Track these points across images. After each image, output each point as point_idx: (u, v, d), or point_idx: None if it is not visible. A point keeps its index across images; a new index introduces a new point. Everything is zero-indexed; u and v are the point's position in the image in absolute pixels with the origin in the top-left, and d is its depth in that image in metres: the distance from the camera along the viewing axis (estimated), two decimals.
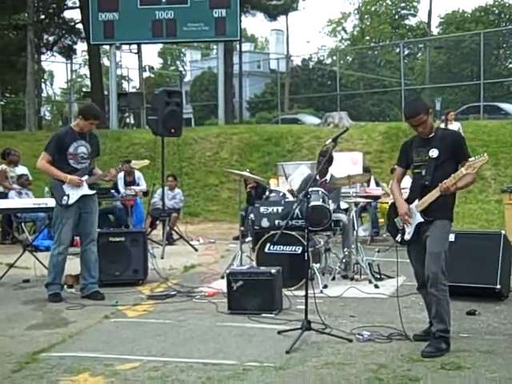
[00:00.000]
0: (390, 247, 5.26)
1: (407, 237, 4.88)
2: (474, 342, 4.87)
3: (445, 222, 4.76)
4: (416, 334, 4.94)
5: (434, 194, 4.68)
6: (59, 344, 5.05)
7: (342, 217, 7.91)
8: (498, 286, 6.09)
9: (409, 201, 4.87)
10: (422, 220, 4.77)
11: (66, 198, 6.50)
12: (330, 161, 8.47)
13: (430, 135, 4.81)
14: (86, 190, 6.59)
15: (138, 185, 11.79)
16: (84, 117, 6.59)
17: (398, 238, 4.95)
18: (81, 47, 44.24)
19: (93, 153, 6.74)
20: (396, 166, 5.12)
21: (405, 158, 4.98)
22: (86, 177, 6.60)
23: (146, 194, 11.66)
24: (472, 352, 4.60)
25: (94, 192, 6.72)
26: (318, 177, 8.28)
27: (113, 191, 11.31)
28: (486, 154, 4.65)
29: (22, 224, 11.19)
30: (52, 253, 6.65)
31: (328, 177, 8.28)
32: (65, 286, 7.02)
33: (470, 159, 4.61)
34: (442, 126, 12.72)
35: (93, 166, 6.77)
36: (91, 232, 6.70)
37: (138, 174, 11.85)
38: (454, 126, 13.93)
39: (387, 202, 8.32)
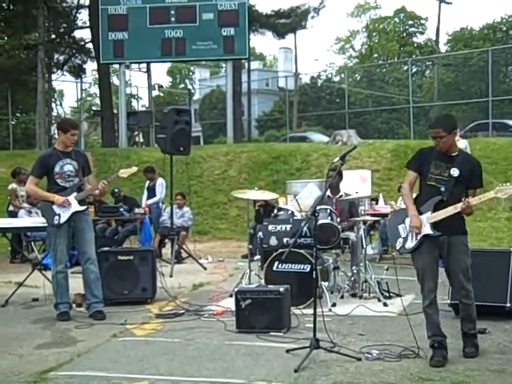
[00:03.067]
0: (395, 259, 5.24)
1: (409, 245, 4.93)
2: (484, 361, 4.84)
3: (464, 237, 4.94)
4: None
5: (450, 210, 4.78)
6: (68, 363, 5.05)
7: (351, 234, 7.90)
8: (508, 305, 6.05)
9: (420, 212, 4.91)
10: (430, 232, 4.79)
11: (57, 217, 6.55)
12: (340, 177, 8.51)
13: (453, 153, 4.92)
14: (76, 207, 6.63)
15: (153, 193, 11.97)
16: (62, 130, 6.66)
17: (398, 245, 5.00)
18: (91, 66, 44.70)
19: (81, 171, 6.75)
20: (408, 170, 5.14)
21: (419, 164, 5.03)
22: (74, 194, 6.63)
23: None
24: (482, 371, 4.57)
25: (84, 207, 6.75)
26: (331, 194, 8.30)
27: (122, 209, 11.37)
28: None
29: (32, 243, 11.23)
30: (53, 273, 6.70)
31: (342, 194, 8.29)
32: (73, 305, 7.03)
33: (503, 184, 4.81)
34: None
35: (82, 182, 6.78)
36: (86, 251, 6.71)
37: (160, 181, 11.93)
38: (461, 143, 13.88)
39: None
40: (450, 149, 4.91)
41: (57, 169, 6.62)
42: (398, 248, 5.01)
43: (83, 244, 6.71)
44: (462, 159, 4.93)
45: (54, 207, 6.57)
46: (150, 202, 12.07)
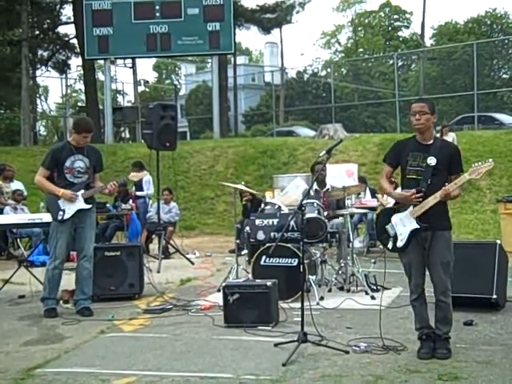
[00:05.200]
0: (382, 254, 5.24)
1: (400, 244, 4.86)
2: (471, 352, 4.86)
3: (448, 232, 4.84)
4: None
5: (430, 201, 4.69)
6: (55, 360, 5.02)
7: (336, 221, 7.90)
8: (495, 296, 6.09)
9: (402, 208, 4.85)
10: (417, 226, 4.77)
11: (61, 213, 6.47)
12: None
13: (429, 142, 4.83)
14: (81, 205, 6.55)
15: (141, 189, 11.94)
16: (76, 131, 6.60)
17: (390, 245, 4.94)
18: (75, 62, 44.41)
19: (92, 167, 6.69)
20: (384, 164, 5.06)
21: (396, 157, 4.95)
22: (81, 191, 6.56)
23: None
24: (469, 362, 4.60)
25: (90, 206, 6.66)
26: (318, 188, 8.31)
27: (108, 205, 11.33)
28: (491, 160, 4.67)
29: (18, 239, 11.16)
30: (48, 267, 6.63)
31: (329, 187, 8.32)
32: (60, 302, 6.99)
33: (474, 164, 4.66)
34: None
35: (91, 179, 6.72)
36: (84, 248, 6.65)
37: (146, 177, 11.87)
38: (449, 137, 13.99)
39: None
40: (426, 136, 4.81)
41: (67, 163, 6.53)
42: (390, 248, 4.94)
43: (83, 240, 6.64)
44: (439, 146, 4.81)
45: (60, 202, 6.48)
46: (140, 193, 12.05)
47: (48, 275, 6.60)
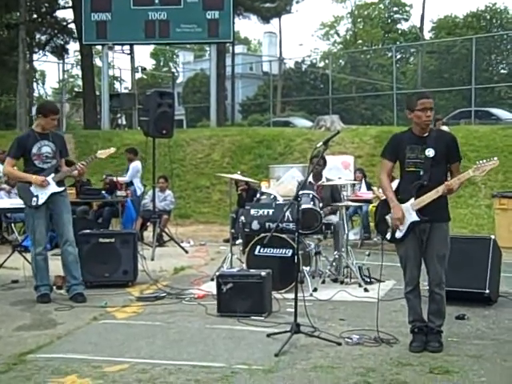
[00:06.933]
0: (376, 246, 5.23)
1: (399, 235, 4.86)
2: (463, 346, 4.89)
3: (446, 224, 4.86)
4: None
5: (432, 195, 4.71)
6: (47, 345, 5.03)
7: (333, 218, 7.92)
8: (487, 291, 6.11)
9: (403, 200, 4.84)
10: (417, 219, 4.77)
11: (35, 199, 6.51)
12: (323, 163, 8.54)
13: (425, 134, 4.83)
14: (54, 188, 6.59)
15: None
16: (43, 114, 6.59)
17: (389, 235, 4.94)
18: (73, 47, 44.08)
19: (59, 152, 6.71)
20: (383, 159, 5.04)
21: (394, 151, 4.95)
22: (52, 175, 6.59)
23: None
24: (460, 356, 4.62)
25: (62, 189, 6.70)
26: (313, 181, 8.31)
27: (103, 192, 11.29)
28: (496, 158, 4.68)
29: (12, 224, 11.14)
30: (32, 256, 6.65)
31: (324, 180, 8.30)
32: (54, 287, 6.99)
33: (478, 162, 4.70)
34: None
35: (59, 163, 6.73)
36: (64, 232, 6.66)
37: (134, 164, 11.75)
38: (445, 130, 13.99)
39: None
40: (426, 129, 4.82)
41: (34, 150, 6.57)
42: (389, 238, 4.94)
43: (61, 226, 6.66)
44: (435, 137, 4.82)
45: (32, 188, 6.52)
46: (121, 178, 11.87)
47: (34, 263, 6.62)
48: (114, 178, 11.59)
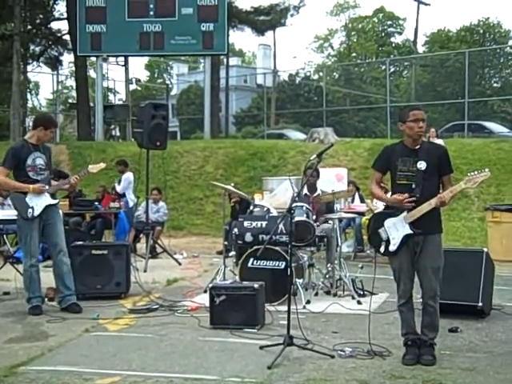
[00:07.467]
0: (370, 259, 5.23)
1: (392, 248, 4.85)
2: (456, 359, 4.88)
3: (438, 236, 4.86)
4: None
5: (425, 207, 4.70)
6: (38, 358, 4.99)
7: (325, 226, 7.90)
8: (480, 304, 6.11)
9: (395, 212, 4.84)
10: (410, 232, 4.77)
11: (30, 210, 6.46)
12: (317, 175, 8.56)
13: (417, 146, 4.83)
14: (49, 200, 6.57)
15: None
16: (45, 126, 6.58)
17: (382, 248, 4.93)
18: (67, 58, 44.11)
19: (50, 164, 6.73)
20: (374, 170, 5.06)
21: (386, 162, 4.95)
22: (46, 187, 6.58)
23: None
24: (453, 369, 4.61)
25: (57, 201, 6.71)
26: (308, 193, 8.32)
27: (96, 203, 11.28)
28: (487, 170, 4.68)
29: (4, 236, 11.07)
30: (24, 267, 6.60)
31: (319, 192, 8.31)
32: (45, 299, 6.94)
33: (470, 173, 4.69)
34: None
35: (51, 175, 6.75)
36: (58, 243, 6.64)
37: (126, 175, 11.79)
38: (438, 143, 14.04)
39: None
40: (418, 141, 4.81)
41: (29, 161, 6.52)
42: (382, 251, 4.94)
43: (55, 236, 6.64)
44: (427, 149, 4.82)
45: (27, 199, 6.47)
46: (118, 187, 11.93)
47: (27, 275, 6.57)
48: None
